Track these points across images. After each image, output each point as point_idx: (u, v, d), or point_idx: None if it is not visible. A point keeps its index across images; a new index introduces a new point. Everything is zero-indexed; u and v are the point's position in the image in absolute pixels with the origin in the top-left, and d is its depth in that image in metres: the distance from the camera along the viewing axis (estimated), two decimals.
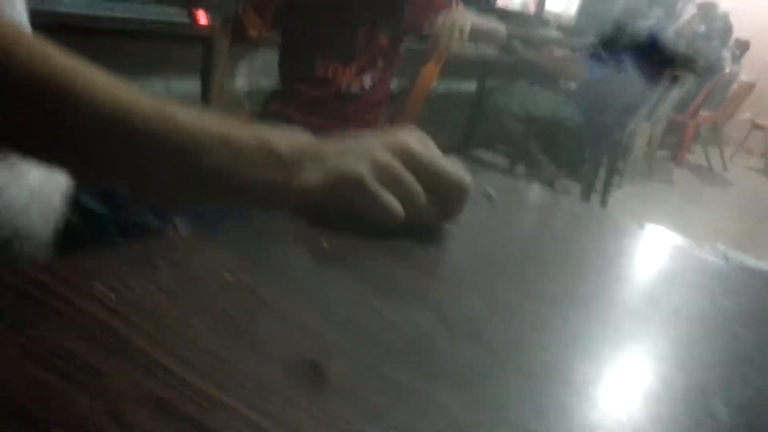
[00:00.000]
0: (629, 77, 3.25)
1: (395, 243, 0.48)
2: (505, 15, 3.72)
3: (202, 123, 0.43)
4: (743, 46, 6.21)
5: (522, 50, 3.46)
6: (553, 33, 4.18)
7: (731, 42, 5.91)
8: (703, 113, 5.58)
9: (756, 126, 6.49)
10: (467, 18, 1.74)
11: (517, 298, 0.44)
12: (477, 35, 1.82)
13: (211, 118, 0.44)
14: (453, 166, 0.51)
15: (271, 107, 1.79)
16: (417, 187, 0.49)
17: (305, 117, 1.72)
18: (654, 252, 0.64)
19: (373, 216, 0.47)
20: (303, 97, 1.76)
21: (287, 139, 0.47)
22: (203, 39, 1.76)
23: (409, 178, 0.49)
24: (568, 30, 4.37)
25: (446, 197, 0.51)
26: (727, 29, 5.67)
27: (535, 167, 3.47)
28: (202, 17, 1.87)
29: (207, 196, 0.46)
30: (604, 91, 3.29)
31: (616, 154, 3.65)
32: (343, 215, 0.47)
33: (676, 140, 5.69)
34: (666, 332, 0.44)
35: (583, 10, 4.45)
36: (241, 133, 0.45)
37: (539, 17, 4.11)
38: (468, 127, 4.05)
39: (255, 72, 2.40)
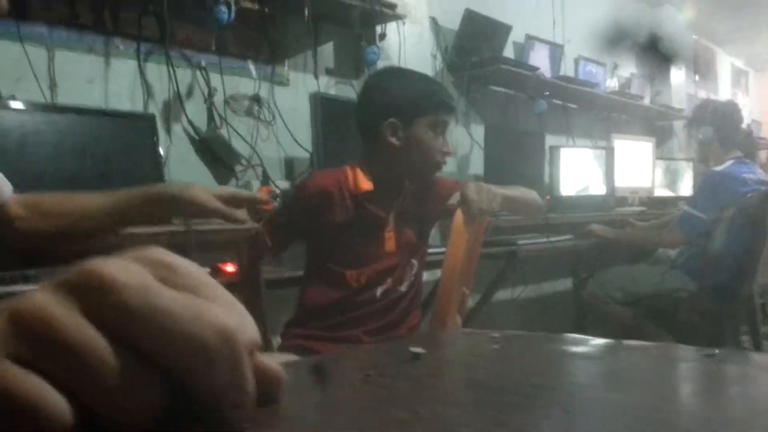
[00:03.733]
0: (733, 224, 2.89)
1: None
2: (573, 204, 3.56)
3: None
4: None
5: (603, 232, 3.20)
6: (634, 209, 3.92)
7: None
8: None
9: None
10: (492, 187, 1.66)
11: None
12: (509, 204, 1.71)
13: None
14: (212, 313, 0.28)
15: (296, 335, 1.64)
16: (101, 358, 0.26)
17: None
18: None
19: None
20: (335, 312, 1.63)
21: None
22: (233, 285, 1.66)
23: (86, 336, 0.26)
24: (650, 202, 4.12)
25: (186, 372, 0.27)
26: None
27: None
28: (230, 267, 1.79)
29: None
30: (710, 246, 2.91)
31: (754, 317, 3.12)
32: None
33: None
34: None
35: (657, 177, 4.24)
36: None
37: (613, 197, 3.89)
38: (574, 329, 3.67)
39: None
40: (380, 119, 1.61)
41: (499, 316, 3.35)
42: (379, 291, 1.64)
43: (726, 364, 0.53)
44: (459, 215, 1.59)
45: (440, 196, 1.73)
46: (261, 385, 0.31)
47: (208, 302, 0.28)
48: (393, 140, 1.60)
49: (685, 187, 4.42)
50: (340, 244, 1.63)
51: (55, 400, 0.25)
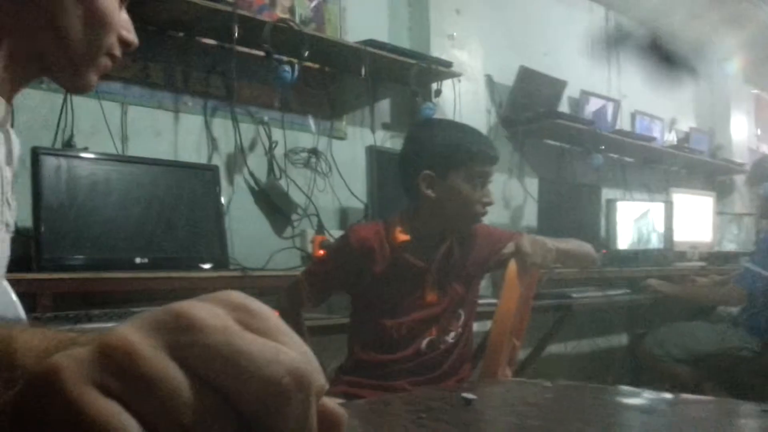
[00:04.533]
0: None
1: None
2: (630, 258, 3.50)
3: None
4: None
5: (661, 287, 3.13)
6: (694, 264, 3.82)
7: None
8: None
9: None
10: (547, 240, 1.65)
11: None
12: (564, 257, 1.70)
13: None
14: (275, 353, 0.29)
15: (343, 381, 1.64)
16: (181, 394, 0.27)
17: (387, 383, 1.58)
18: None
19: None
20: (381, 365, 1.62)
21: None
22: None
23: (168, 373, 0.28)
24: (710, 257, 4.01)
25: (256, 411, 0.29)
26: None
27: None
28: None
29: None
30: None
31: None
32: None
33: None
34: None
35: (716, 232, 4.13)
36: None
37: (672, 252, 3.81)
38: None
39: None
40: (417, 171, 1.61)
41: (551, 370, 3.27)
42: (424, 343, 1.63)
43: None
44: (512, 266, 1.59)
45: (493, 248, 1.71)
46: (323, 425, 0.33)
47: (284, 346, 0.30)
48: (429, 192, 1.60)
49: (747, 243, 4.29)
50: (380, 295, 1.64)
51: (134, 429, 0.27)
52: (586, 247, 1.82)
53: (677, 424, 0.49)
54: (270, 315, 0.32)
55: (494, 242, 1.72)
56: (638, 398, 0.59)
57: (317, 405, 0.32)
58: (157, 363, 0.27)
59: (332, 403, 0.35)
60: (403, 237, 1.62)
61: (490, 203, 1.65)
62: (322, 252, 2.28)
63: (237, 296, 0.32)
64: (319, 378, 0.31)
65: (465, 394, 0.51)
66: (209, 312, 0.29)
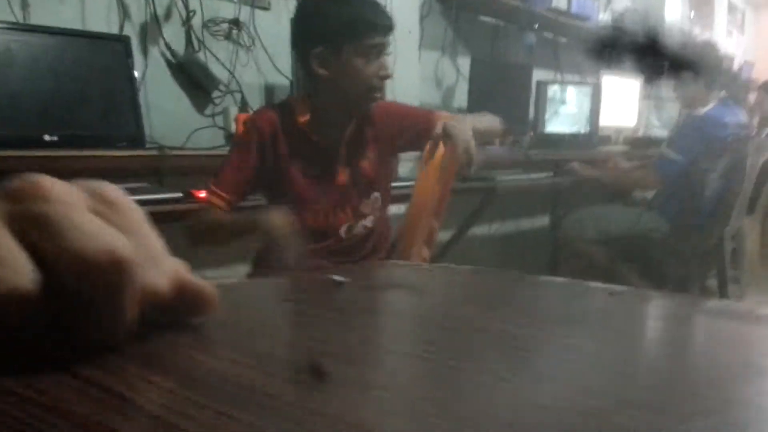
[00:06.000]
0: (711, 168, 2.92)
1: None
2: (555, 141, 3.56)
3: None
4: None
5: (582, 171, 3.22)
6: (617, 148, 3.93)
7: None
8: None
9: None
10: (467, 121, 1.63)
11: None
12: (482, 136, 1.68)
13: None
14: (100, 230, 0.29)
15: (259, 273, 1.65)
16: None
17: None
18: None
19: None
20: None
21: None
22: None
23: None
24: (634, 142, 4.12)
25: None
26: None
27: None
28: (203, 193, 1.77)
29: None
30: (685, 190, 2.95)
31: (723, 260, 3.17)
32: None
33: None
34: None
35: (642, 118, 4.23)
36: None
37: (597, 136, 3.89)
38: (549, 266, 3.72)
39: None
40: (308, 49, 1.53)
41: (473, 252, 3.39)
42: (342, 230, 1.63)
43: (627, 303, 0.55)
44: (439, 148, 1.59)
45: (406, 125, 1.69)
46: (193, 302, 0.34)
47: (132, 241, 0.30)
48: (321, 71, 1.53)
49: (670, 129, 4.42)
50: (292, 181, 1.60)
51: None
52: (497, 122, 1.83)
53: (521, 304, 0.52)
54: (133, 212, 0.32)
55: (408, 120, 1.70)
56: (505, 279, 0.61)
57: (187, 283, 0.33)
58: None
59: (203, 282, 0.35)
60: (303, 118, 1.58)
61: (387, 76, 1.58)
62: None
63: (107, 188, 0.32)
64: (150, 275, 0.31)
65: (335, 277, 0.52)
66: (65, 189, 0.29)
